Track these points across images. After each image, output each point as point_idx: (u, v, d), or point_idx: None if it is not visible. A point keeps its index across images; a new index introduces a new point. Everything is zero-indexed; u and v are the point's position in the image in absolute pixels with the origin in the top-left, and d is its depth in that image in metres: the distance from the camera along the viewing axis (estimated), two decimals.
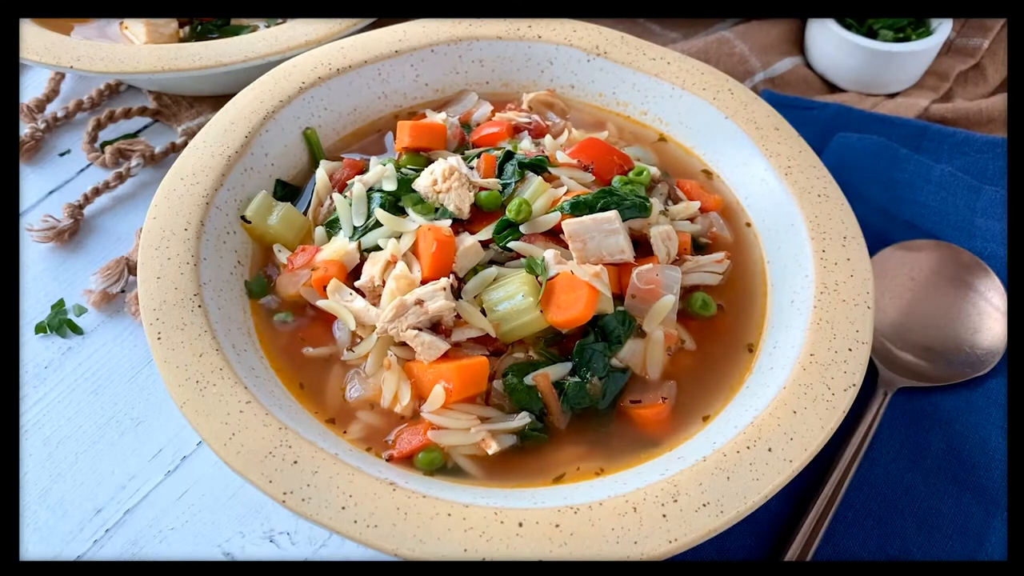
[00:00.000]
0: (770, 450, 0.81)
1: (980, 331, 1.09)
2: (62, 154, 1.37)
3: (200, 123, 1.39)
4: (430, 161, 1.04)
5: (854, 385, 0.87)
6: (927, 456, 0.99)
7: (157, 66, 1.23)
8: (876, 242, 1.17)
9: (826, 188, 1.05)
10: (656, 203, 1.00)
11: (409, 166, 1.04)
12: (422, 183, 0.98)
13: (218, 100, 1.39)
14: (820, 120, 1.36)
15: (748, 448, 0.81)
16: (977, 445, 1.00)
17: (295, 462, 0.78)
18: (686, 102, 1.18)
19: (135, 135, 1.39)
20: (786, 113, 1.29)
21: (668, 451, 0.87)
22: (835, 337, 0.90)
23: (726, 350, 0.97)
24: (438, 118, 1.13)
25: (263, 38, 1.28)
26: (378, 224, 0.96)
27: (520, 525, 0.75)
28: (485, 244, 0.94)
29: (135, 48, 1.27)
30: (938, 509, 0.95)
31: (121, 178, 1.30)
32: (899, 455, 1.00)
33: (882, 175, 1.27)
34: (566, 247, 0.93)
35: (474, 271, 0.92)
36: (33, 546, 0.93)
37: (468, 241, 0.93)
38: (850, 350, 0.89)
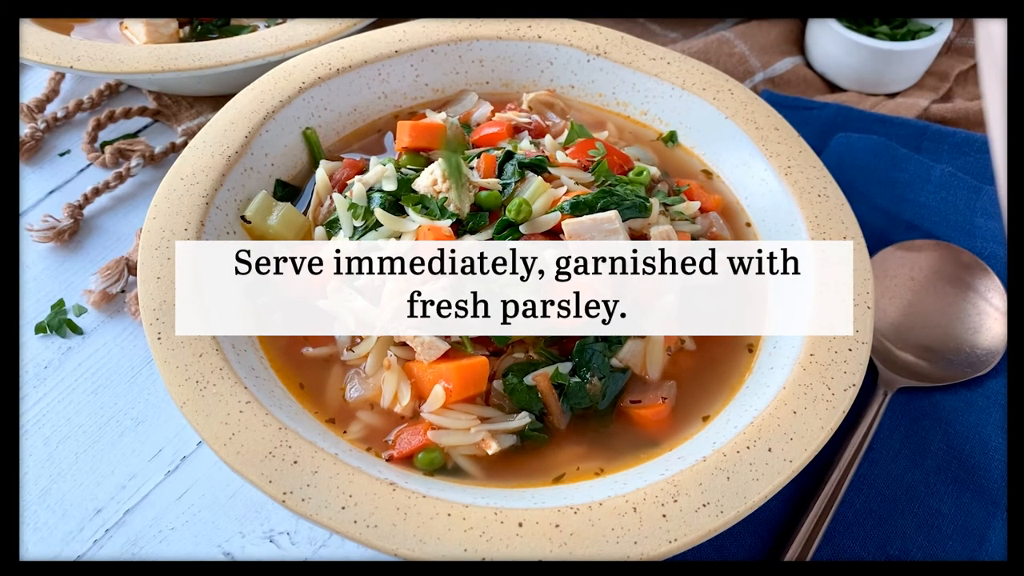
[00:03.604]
0: (770, 450, 0.81)
1: (980, 331, 1.08)
2: (62, 154, 1.37)
3: (200, 123, 1.39)
4: (430, 161, 1.04)
5: (854, 385, 0.87)
6: (927, 456, 0.99)
7: (157, 66, 1.23)
8: (876, 242, 1.18)
9: (826, 188, 1.05)
10: (656, 203, 1.00)
11: (409, 166, 1.04)
12: (422, 183, 0.98)
13: (218, 100, 1.39)
14: (820, 120, 1.36)
15: (748, 448, 0.81)
16: (977, 445, 1.00)
17: (295, 462, 0.78)
18: (686, 102, 1.18)
19: (135, 135, 1.39)
20: (786, 113, 1.30)
21: (668, 451, 0.87)
22: (835, 337, 0.90)
23: (726, 350, 0.97)
24: (438, 118, 1.13)
25: (263, 38, 1.28)
26: (378, 224, 0.96)
27: (520, 525, 0.75)
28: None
29: (135, 48, 1.27)
30: (938, 509, 0.95)
31: (121, 178, 1.30)
32: (899, 455, 1.00)
33: (882, 175, 1.27)
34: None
35: None
36: (33, 546, 0.93)
37: (468, 241, 0.93)
38: (850, 350, 0.89)
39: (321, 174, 1.07)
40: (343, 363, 0.94)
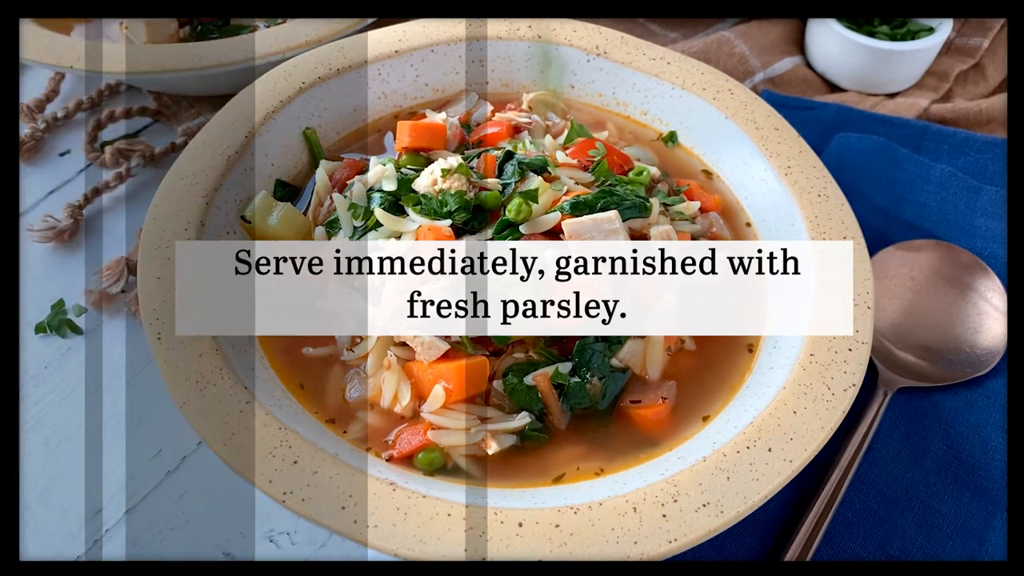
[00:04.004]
0: (770, 450, 0.81)
1: (980, 331, 1.09)
2: (62, 154, 1.37)
3: (200, 123, 1.39)
4: (430, 161, 1.04)
5: (854, 385, 0.87)
6: (927, 456, 1.00)
7: (157, 66, 1.23)
8: (876, 242, 1.18)
9: (826, 188, 1.05)
10: (656, 203, 1.00)
11: (409, 166, 1.04)
12: (422, 183, 0.98)
13: (218, 100, 1.39)
14: (820, 120, 1.36)
15: (748, 448, 0.81)
16: (977, 445, 1.00)
17: (295, 462, 0.78)
18: (686, 102, 1.18)
19: (135, 135, 1.39)
20: (786, 113, 1.30)
21: (668, 451, 0.87)
22: (835, 337, 0.90)
23: (726, 350, 0.97)
24: (438, 118, 1.13)
25: (263, 38, 1.28)
26: (378, 224, 0.96)
27: (520, 525, 0.75)
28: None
29: (135, 48, 1.27)
30: (938, 509, 0.95)
31: (121, 178, 1.30)
32: (899, 455, 1.00)
33: (882, 175, 1.27)
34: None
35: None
36: (33, 546, 0.93)
37: (468, 241, 0.93)
38: (850, 350, 0.89)
39: (321, 174, 1.07)
40: (343, 363, 0.94)
